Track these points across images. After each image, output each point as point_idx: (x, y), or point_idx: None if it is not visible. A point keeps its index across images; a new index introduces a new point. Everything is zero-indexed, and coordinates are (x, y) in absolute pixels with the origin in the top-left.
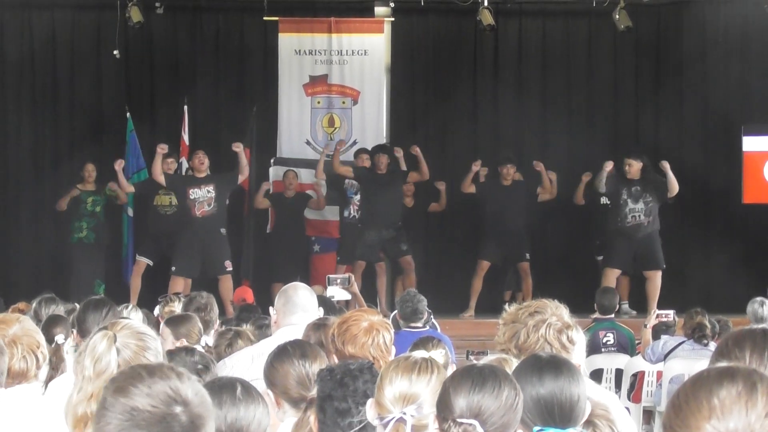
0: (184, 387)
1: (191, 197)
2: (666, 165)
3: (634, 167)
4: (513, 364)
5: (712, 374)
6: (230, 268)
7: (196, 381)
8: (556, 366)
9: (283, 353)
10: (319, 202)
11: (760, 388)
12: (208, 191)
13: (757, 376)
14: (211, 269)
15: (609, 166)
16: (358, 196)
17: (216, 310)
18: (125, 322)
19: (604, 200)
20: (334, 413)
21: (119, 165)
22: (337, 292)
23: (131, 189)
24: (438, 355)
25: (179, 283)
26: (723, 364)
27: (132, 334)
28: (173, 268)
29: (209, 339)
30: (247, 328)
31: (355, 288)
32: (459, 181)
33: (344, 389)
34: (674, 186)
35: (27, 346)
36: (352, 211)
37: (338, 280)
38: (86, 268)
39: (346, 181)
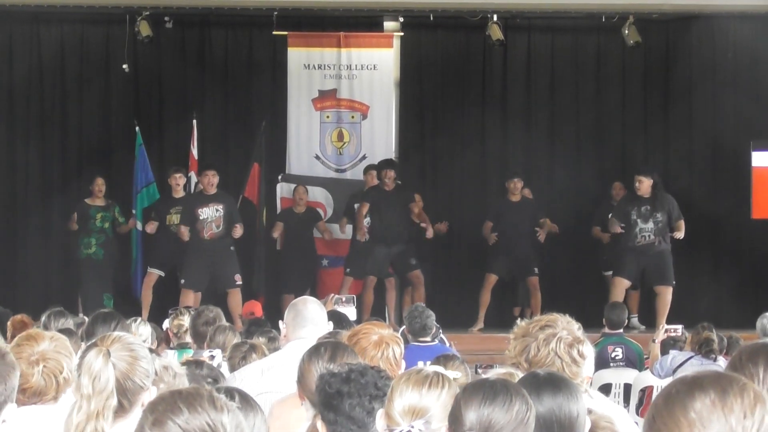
0: (223, 420)
1: (200, 217)
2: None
3: (645, 184)
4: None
5: (681, 388)
6: (240, 282)
7: (236, 410)
8: (554, 384)
9: (314, 352)
10: (328, 230)
11: (731, 391)
12: (217, 210)
13: (726, 381)
14: (220, 283)
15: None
16: (367, 220)
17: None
18: (115, 334)
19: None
20: (347, 410)
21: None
22: (345, 311)
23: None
24: (456, 375)
25: (189, 296)
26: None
27: (123, 347)
28: (182, 281)
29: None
30: (261, 341)
31: None
32: (467, 196)
33: (354, 384)
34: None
35: (49, 368)
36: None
37: (343, 299)
38: (94, 283)
39: (356, 206)
